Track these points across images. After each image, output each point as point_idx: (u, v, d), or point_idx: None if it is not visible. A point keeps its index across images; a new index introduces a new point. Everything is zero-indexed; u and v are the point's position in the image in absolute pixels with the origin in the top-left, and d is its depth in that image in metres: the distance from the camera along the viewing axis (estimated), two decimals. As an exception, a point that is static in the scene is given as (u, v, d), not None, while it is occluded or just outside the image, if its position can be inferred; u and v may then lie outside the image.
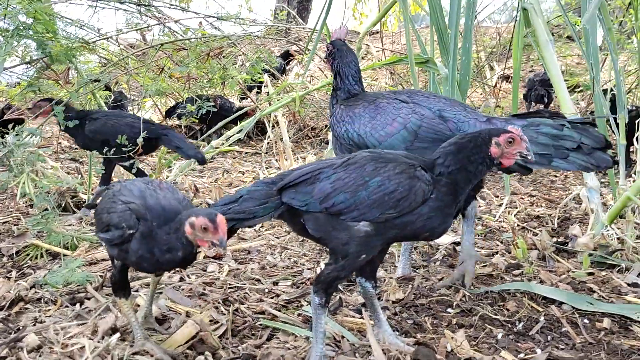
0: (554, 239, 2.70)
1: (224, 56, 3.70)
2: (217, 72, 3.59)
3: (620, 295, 2.09)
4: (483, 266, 2.39)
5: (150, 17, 3.97)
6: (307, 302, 1.97)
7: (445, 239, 2.70)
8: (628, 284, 2.17)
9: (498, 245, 2.71)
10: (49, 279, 2.12)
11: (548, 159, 1.81)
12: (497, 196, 3.50)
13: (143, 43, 4.59)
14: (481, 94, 5.75)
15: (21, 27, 2.87)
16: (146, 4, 3.40)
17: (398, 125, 2.00)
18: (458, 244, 2.68)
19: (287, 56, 5.95)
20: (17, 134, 2.47)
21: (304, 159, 4.47)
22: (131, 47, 5.01)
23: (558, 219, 2.98)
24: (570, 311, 1.95)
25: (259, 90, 5.26)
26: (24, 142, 2.25)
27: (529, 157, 1.54)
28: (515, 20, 3.08)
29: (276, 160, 4.42)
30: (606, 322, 1.87)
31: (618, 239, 2.44)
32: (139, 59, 3.94)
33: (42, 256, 2.46)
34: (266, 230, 2.89)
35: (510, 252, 2.55)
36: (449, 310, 1.96)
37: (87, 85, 3.33)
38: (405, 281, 2.17)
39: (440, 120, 1.98)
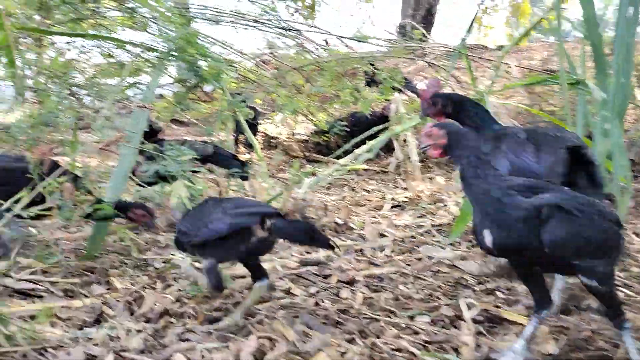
0: None
1: (356, 76, 3.71)
2: (350, 91, 3.60)
3: None
4: (642, 315, 2.13)
5: (288, 37, 4.10)
6: (452, 347, 1.86)
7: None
8: None
9: (660, 292, 2.41)
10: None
11: None
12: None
13: (275, 59, 4.75)
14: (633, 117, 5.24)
15: (173, 50, 3.09)
16: (287, 28, 3.51)
17: None
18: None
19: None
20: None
21: (431, 179, 4.35)
22: (263, 62, 5.21)
23: None
24: None
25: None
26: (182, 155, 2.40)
27: None
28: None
29: (402, 179, 4.34)
30: None
31: None
32: (275, 76, 4.07)
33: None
34: (397, 255, 2.82)
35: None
36: (609, 367, 1.76)
37: (233, 103, 3.48)
38: (557, 329, 1.98)
39: None
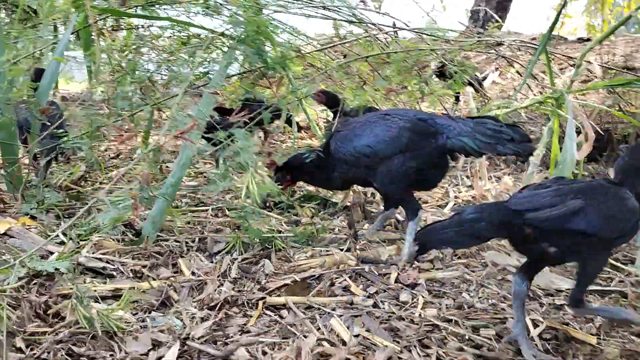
0: None
1: (424, 68, 3.61)
2: (417, 84, 3.51)
3: None
4: None
5: (356, 25, 4.03)
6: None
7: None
8: None
9: None
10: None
11: (493, 146, 2.52)
12: None
13: (343, 47, 4.68)
14: None
15: (242, 36, 3.10)
16: (355, 15, 3.44)
17: None
18: None
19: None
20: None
21: (499, 178, 4.20)
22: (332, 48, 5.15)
23: None
24: None
25: (456, 102, 5.06)
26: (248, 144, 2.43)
27: None
28: None
29: (467, 177, 4.22)
30: None
31: None
32: (341, 66, 4.02)
33: (241, 251, 2.62)
34: (459, 259, 2.75)
35: None
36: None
37: (297, 92, 3.47)
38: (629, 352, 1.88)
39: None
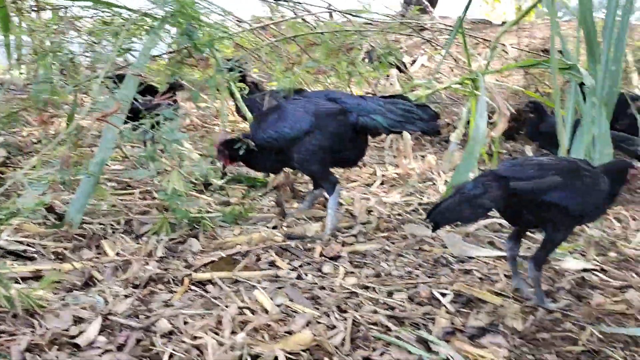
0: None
1: (351, 50, 3.71)
2: (345, 66, 3.61)
3: None
4: (615, 302, 2.21)
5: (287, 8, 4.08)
6: (424, 323, 1.94)
7: (574, 265, 2.54)
8: None
9: (633, 278, 2.49)
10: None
11: (402, 124, 2.70)
12: (635, 219, 3.21)
13: (272, 29, 4.71)
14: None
15: (168, 16, 3.09)
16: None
17: None
18: (587, 270, 2.51)
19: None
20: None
21: (423, 157, 4.39)
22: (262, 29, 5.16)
23: None
24: None
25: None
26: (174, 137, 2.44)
27: None
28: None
29: (394, 156, 4.38)
30: None
31: None
32: (271, 46, 4.06)
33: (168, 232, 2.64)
34: (382, 232, 2.89)
35: (649, 287, 2.33)
36: (573, 348, 1.84)
37: (222, 72, 3.49)
38: (528, 308, 2.07)
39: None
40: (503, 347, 1.79)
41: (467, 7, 3.15)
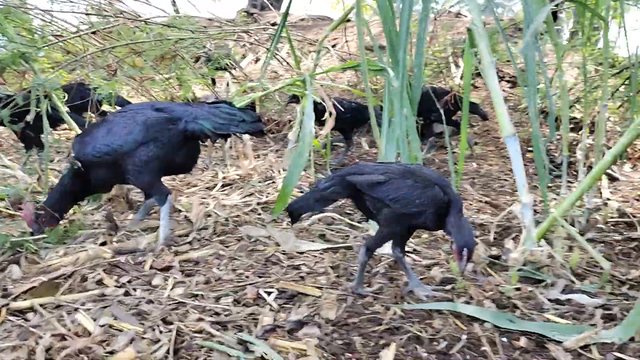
0: (493, 250, 2.83)
1: (181, 56, 3.71)
2: (174, 73, 3.60)
3: (542, 312, 2.23)
4: (421, 278, 2.51)
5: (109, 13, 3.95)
6: (247, 325, 2.04)
7: (390, 250, 2.81)
8: (550, 300, 2.31)
9: (440, 255, 2.83)
10: None
11: (227, 127, 2.82)
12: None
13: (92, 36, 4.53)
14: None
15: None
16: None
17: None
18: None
19: None
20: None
21: (265, 156, 4.53)
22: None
23: (499, 227, 3.11)
24: (492, 329, 2.08)
25: (213, 85, 5.21)
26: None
27: None
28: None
29: (236, 157, 4.47)
30: (523, 341, 2.00)
31: (548, 255, 2.57)
32: (98, 56, 3.92)
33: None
34: (217, 237, 2.95)
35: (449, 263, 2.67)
36: (377, 328, 2.07)
37: (42, 85, 3.31)
38: (343, 296, 2.27)
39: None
40: (315, 336, 1.95)
41: (287, 9, 3.30)
